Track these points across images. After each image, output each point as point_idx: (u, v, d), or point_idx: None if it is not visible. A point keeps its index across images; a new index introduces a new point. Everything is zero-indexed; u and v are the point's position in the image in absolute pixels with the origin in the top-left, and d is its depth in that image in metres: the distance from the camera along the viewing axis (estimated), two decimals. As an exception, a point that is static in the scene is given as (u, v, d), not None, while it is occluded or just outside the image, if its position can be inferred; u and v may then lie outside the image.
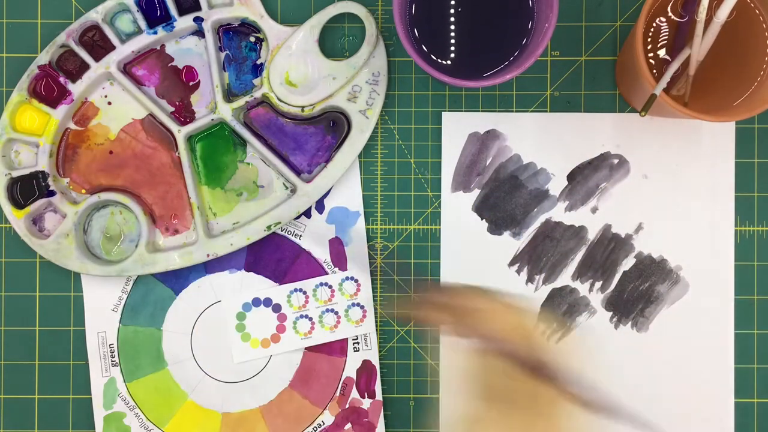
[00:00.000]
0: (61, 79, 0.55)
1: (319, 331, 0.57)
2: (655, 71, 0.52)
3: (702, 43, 0.48)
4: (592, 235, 0.57)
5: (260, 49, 0.57)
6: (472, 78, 0.51)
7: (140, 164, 0.57)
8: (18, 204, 0.56)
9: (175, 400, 0.57)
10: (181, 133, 0.56)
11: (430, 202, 0.57)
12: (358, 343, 0.57)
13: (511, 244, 0.57)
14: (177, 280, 0.57)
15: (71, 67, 0.56)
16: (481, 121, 0.57)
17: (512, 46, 0.52)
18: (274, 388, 0.57)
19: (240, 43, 0.57)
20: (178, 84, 0.57)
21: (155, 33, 0.56)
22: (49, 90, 0.56)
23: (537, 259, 0.57)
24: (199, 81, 0.57)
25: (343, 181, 0.57)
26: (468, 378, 0.47)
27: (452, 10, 0.52)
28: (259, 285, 0.57)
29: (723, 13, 0.46)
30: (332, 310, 0.57)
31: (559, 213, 0.57)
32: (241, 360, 0.57)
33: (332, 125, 0.56)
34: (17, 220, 0.55)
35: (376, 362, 0.57)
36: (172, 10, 0.55)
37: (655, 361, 0.57)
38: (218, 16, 0.55)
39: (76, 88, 0.56)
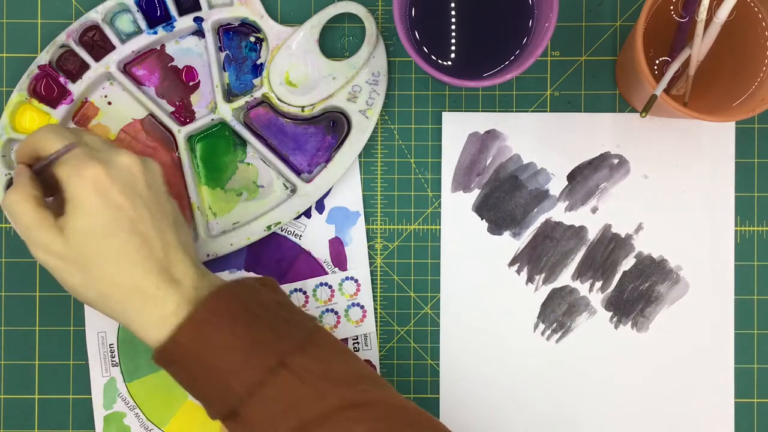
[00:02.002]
0: (61, 79, 0.55)
1: (319, 331, 0.57)
2: (655, 71, 0.52)
3: (702, 43, 0.48)
4: (592, 235, 0.57)
5: (260, 49, 0.57)
6: (472, 78, 0.51)
7: (140, 164, 0.57)
8: (18, 204, 0.55)
9: (175, 400, 0.57)
10: (181, 133, 0.56)
11: (430, 202, 0.57)
12: (358, 343, 0.57)
13: (511, 244, 0.57)
14: (177, 280, 0.57)
15: (71, 67, 0.56)
16: (481, 121, 0.57)
17: (512, 46, 0.52)
18: (274, 388, 0.57)
19: (240, 43, 0.57)
20: (178, 84, 0.57)
21: (155, 33, 0.56)
22: (49, 90, 0.56)
23: (537, 259, 0.57)
24: (199, 81, 0.57)
25: (343, 181, 0.57)
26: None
27: (452, 11, 0.52)
28: (259, 285, 0.57)
29: (723, 13, 0.46)
30: (332, 310, 0.57)
31: (559, 213, 0.57)
32: (241, 360, 0.57)
33: (332, 125, 0.56)
34: (17, 220, 0.55)
35: (376, 362, 0.57)
36: (172, 10, 0.55)
37: (655, 361, 0.57)
38: (218, 16, 0.55)
39: (76, 88, 0.56)
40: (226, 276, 0.57)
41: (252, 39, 0.57)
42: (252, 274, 0.57)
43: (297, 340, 0.45)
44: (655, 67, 0.52)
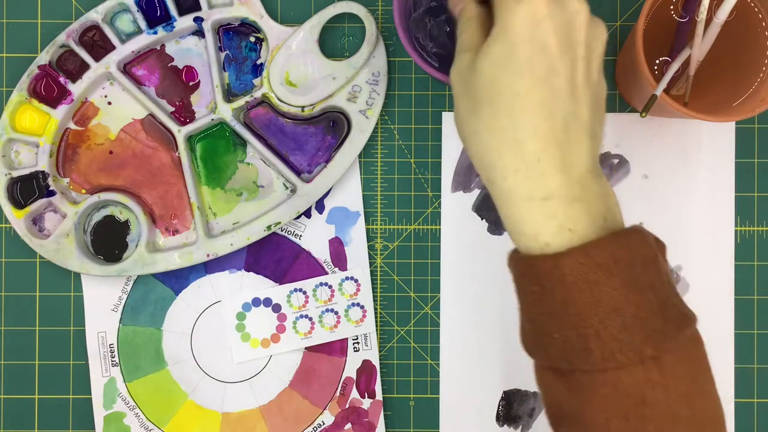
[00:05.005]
0: (61, 79, 0.55)
1: (319, 331, 0.57)
2: (655, 71, 0.52)
3: (702, 43, 0.48)
4: (592, 235, 0.57)
5: (260, 49, 0.57)
6: (472, 78, 0.51)
7: (140, 164, 0.57)
8: (18, 204, 0.56)
9: (175, 400, 0.57)
10: (181, 133, 0.56)
11: (430, 202, 0.57)
12: (358, 343, 0.57)
13: (511, 244, 0.57)
14: (177, 280, 0.57)
15: (71, 67, 0.56)
16: (481, 121, 0.57)
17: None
18: (274, 388, 0.57)
19: (240, 43, 0.57)
20: (178, 84, 0.57)
21: (155, 33, 0.56)
22: (49, 90, 0.56)
23: (537, 259, 0.57)
24: (199, 81, 0.57)
25: (343, 181, 0.57)
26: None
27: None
28: (259, 285, 0.57)
29: (723, 13, 0.46)
30: (332, 310, 0.57)
31: (559, 213, 0.57)
32: (241, 360, 0.57)
33: (332, 125, 0.56)
34: (17, 220, 0.55)
35: (376, 362, 0.57)
36: (172, 10, 0.55)
37: (655, 361, 0.57)
38: (218, 16, 0.55)
39: (76, 88, 0.56)
40: (226, 276, 0.57)
41: (252, 39, 0.57)
42: (252, 275, 0.57)
43: (680, 338, 0.37)
44: (655, 67, 0.52)
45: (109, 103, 0.57)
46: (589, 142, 0.39)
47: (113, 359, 0.57)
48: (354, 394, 0.57)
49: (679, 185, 0.57)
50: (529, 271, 0.38)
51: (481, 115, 0.39)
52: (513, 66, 0.38)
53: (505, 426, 0.57)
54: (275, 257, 0.57)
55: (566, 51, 0.38)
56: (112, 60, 0.56)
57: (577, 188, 0.38)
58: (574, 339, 0.37)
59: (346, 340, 0.57)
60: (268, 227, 0.56)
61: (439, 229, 0.57)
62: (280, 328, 0.57)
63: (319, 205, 0.57)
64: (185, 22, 0.55)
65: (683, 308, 0.39)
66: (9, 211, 0.55)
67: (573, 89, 0.38)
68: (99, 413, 0.57)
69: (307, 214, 0.57)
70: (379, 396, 0.57)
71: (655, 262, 0.38)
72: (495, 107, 0.38)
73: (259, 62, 0.57)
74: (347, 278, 0.57)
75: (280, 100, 0.56)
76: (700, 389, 0.38)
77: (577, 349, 0.37)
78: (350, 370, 0.57)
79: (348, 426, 0.57)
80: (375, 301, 0.57)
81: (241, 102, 0.56)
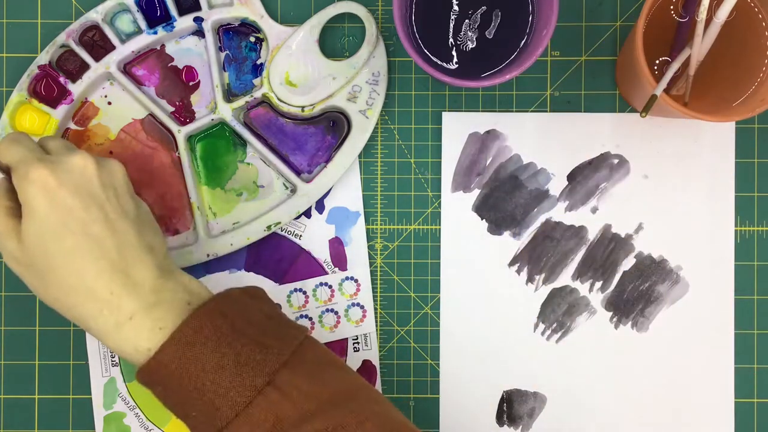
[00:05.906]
0: (61, 79, 0.55)
1: (319, 331, 0.57)
2: (655, 71, 0.52)
3: (702, 43, 0.48)
4: (592, 235, 0.57)
5: (260, 49, 0.57)
6: (471, 78, 0.51)
7: (140, 164, 0.57)
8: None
9: (175, 400, 0.57)
10: (181, 133, 0.56)
11: (430, 202, 0.57)
12: (358, 343, 0.57)
13: (511, 244, 0.57)
14: (177, 280, 0.57)
15: (71, 67, 0.56)
16: (481, 121, 0.57)
17: (512, 46, 0.52)
18: (274, 388, 0.57)
19: (240, 43, 0.57)
20: (178, 84, 0.57)
21: (155, 33, 0.56)
22: (49, 90, 0.56)
23: (537, 259, 0.57)
24: (199, 81, 0.57)
25: (343, 181, 0.57)
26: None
27: (452, 10, 0.52)
28: (259, 285, 0.57)
29: (723, 13, 0.46)
30: (332, 310, 0.57)
31: (559, 213, 0.57)
32: (241, 360, 0.57)
33: (332, 125, 0.56)
34: (17, 220, 0.55)
35: (376, 362, 0.57)
36: (172, 10, 0.55)
37: (655, 361, 0.57)
38: (218, 16, 0.55)
39: (76, 88, 0.56)
40: (226, 276, 0.57)
41: (252, 39, 0.57)
42: (252, 275, 0.57)
43: (285, 355, 0.44)
44: (655, 67, 0.52)
45: (109, 103, 0.57)
46: (148, 257, 0.45)
47: (113, 359, 0.57)
48: (354, 394, 0.57)
49: (679, 185, 0.57)
50: (148, 378, 0.44)
51: (51, 281, 0.44)
52: (51, 233, 0.43)
53: (505, 426, 0.57)
54: (275, 257, 0.57)
55: (88, 201, 0.44)
56: (112, 60, 0.56)
57: (152, 296, 0.44)
58: (205, 408, 0.43)
59: (346, 340, 0.57)
60: (268, 227, 0.56)
61: (439, 229, 0.57)
62: (280, 328, 0.57)
63: (319, 205, 0.57)
64: (185, 22, 0.55)
65: (284, 328, 0.45)
66: (9, 211, 0.55)
67: (111, 226, 0.44)
68: (99, 413, 0.57)
69: (307, 214, 0.57)
70: (379, 396, 0.57)
71: (242, 310, 0.45)
72: (58, 273, 0.44)
73: (259, 62, 0.57)
74: (347, 278, 0.57)
75: (280, 100, 0.56)
76: (323, 380, 0.44)
77: (212, 414, 0.42)
78: (350, 370, 0.57)
79: (348, 426, 0.57)
80: (375, 301, 0.57)
81: (241, 102, 0.56)
